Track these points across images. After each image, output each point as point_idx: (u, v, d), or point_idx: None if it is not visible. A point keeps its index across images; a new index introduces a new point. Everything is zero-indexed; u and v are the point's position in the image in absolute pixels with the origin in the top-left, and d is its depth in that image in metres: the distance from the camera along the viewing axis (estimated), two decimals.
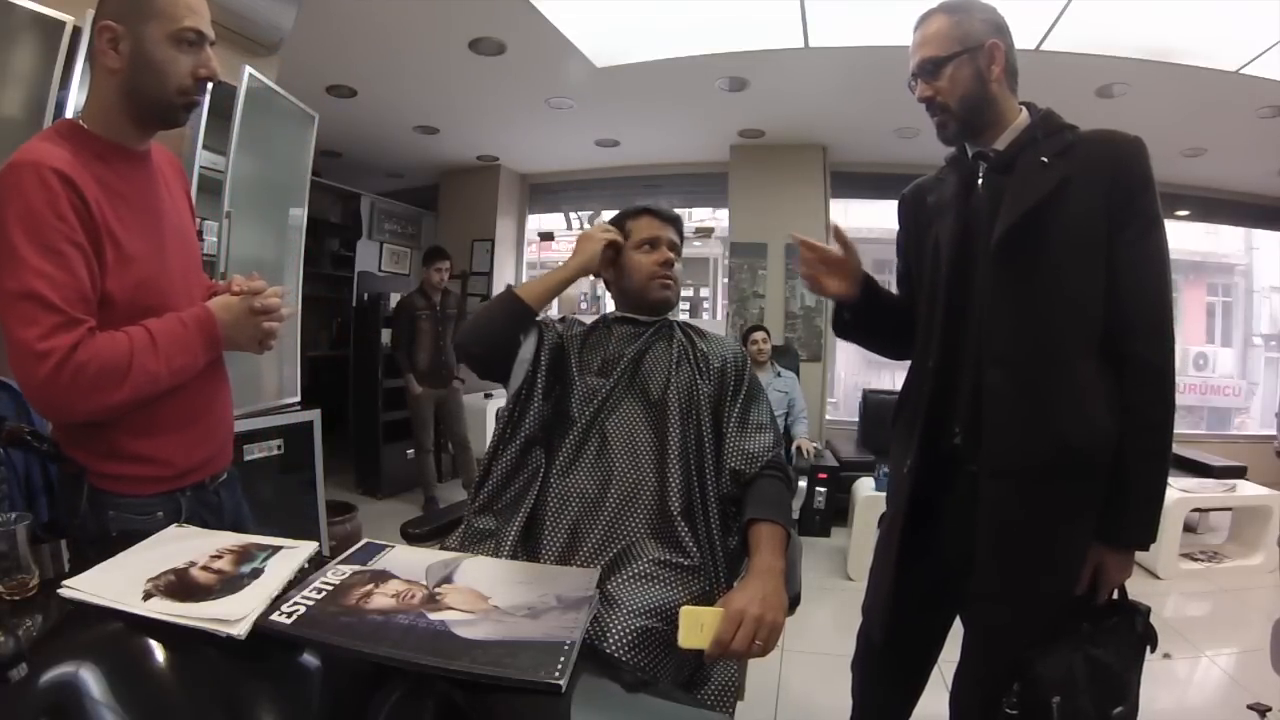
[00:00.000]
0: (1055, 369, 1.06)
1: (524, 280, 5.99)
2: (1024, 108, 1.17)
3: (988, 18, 1.12)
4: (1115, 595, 1.15)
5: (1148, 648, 1.13)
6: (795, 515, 1.20)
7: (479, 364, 1.28)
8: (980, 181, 1.16)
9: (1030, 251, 1.06)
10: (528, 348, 1.25)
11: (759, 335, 3.94)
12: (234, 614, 0.73)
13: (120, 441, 1.00)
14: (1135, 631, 1.12)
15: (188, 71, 0.98)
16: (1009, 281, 1.08)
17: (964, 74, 1.10)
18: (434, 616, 0.76)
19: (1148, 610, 1.15)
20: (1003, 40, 1.11)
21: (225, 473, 1.20)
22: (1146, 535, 1.08)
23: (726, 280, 5.26)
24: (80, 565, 0.83)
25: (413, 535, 1.32)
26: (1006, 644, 1.10)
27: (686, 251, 1.42)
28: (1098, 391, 1.05)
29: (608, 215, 1.49)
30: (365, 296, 4.80)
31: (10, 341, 0.88)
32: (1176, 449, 5.07)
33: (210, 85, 1.01)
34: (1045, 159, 1.07)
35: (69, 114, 1.82)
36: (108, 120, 0.99)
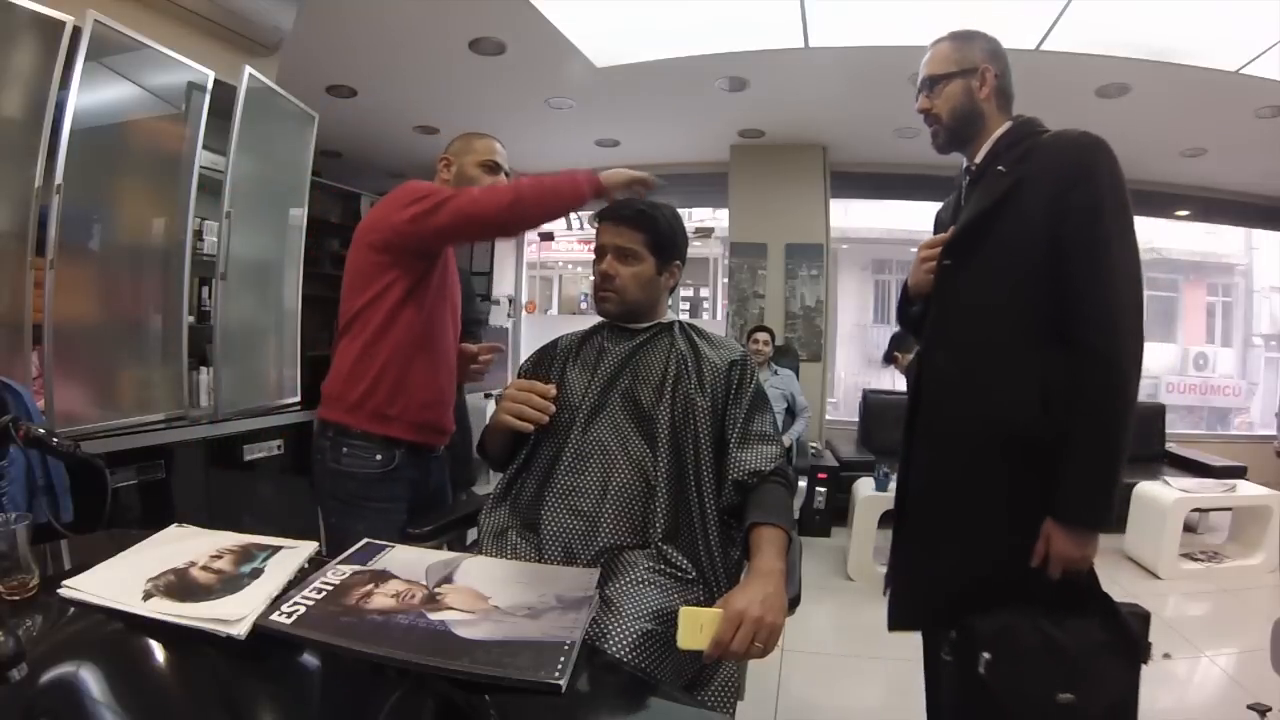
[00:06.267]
0: (992, 354, 1.18)
1: (522, 280, 6.04)
2: (1010, 121, 1.25)
3: (987, 47, 1.25)
4: (1112, 591, 1.16)
5: (1136, 654, 1.12)
6: (795, 515, 1.20)
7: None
8: (964, 193, 1.30)
9: (977, 251, 1.20)
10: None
11: (761, 336, 3.94)
12: (234, 614, 0.73)
13: (380, 384, 1.39)
14: (1108, 627, 1.12)
15: (488, 185, 1.49)
16: (959, 278, 1.23)
17: (956, 90, 1.24)
18: (434, 616, 0.76)
19: (1146, 615, 1.15)
20: (995, 66, 1.24)
21: (439, 449, 1.59)
22: (1090, 516, 1.10)
23: (726, 280, 5.25)
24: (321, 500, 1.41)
25: (413, 535, 1.32)
26: (929, 594, 1.23)
27: (688, 251, 1.38)
28: (1033, 376, 1.13)
29: None
30: None
31: (451, 203, 1.34)
32: (1177, 449, 5.05)
33: None
34: (1002, 168, 1.19)
35: (68, 115, 1.83)
36: None
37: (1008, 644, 1.08)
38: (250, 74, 2.42)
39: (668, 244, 1.28)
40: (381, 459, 1.40)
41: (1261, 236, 6.36)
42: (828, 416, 5.02)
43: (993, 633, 1.10)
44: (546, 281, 8.24)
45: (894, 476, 1.43)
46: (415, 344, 1.43)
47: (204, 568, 0.84)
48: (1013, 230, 1.15)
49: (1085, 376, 1.09)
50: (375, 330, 1.40)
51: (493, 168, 1.54)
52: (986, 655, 1.08)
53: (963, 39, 1.26)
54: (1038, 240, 1.13)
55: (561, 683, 0.65)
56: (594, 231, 1.31)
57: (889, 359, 3.60)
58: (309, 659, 0.72)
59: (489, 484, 3.70)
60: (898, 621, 1.30)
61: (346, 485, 1.41)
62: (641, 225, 1.25)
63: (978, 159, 1.25)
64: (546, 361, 1.35)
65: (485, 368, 1.67)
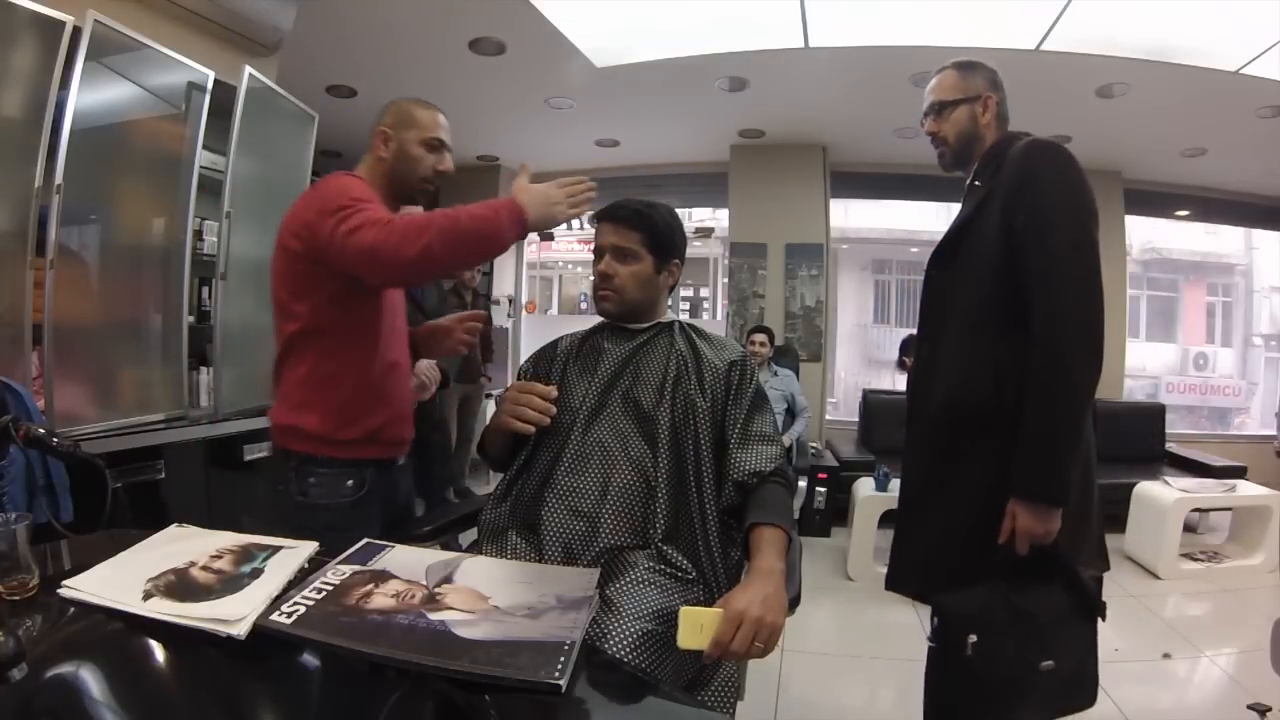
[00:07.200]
0: (956, 343, 1.30)
1: (522, 280, 6.04)
2: (996, 139, 1.35)
3: (988, 77, 1.37)
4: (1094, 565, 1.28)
5: (1095, 614, 1.22)
6: (795, 515, 1.22)
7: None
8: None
9: (953, 259, 1.33)
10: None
11: (759, 337, 3.93)
12: (234, 614, 0.73)
13: (346, 405, 1.28)
14: (1071, 591, 1.19)
15: (430, 166, 1.37)
16: (938, 283, 1.38)
17: (962, 116, 1.36)
18: (434, 616, 0.76)
19: (1099, 577, 1.27)
20: (996, 95, 1.36)
21: (402, 459, 1.45)
22: (1045, 492, 1.15)
23: (726, 280, 5.25)
24: (291, 531, 1.04)
25: (413, 535, 1.32)
26: (916, 564, 1.35)
27: (687, 251, 1.38)
28: (985, 361, 1.24)
29: None
30: None
31: (361, 233, 1.14)
32: (1177, 449, 5.05)
33: (443, 178, 1.40)
34: (979, 183, 1.33)
35: (68, 115, 1.83)
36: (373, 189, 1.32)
37: (988, 623, 1.15)
38: (250, 74, 2.42)
39: (666, 243, 1.28)
40: (353, 484, 1.29)
41: (1261, 236, 6.37)
42: (828, 416, 5.02)
43: (971, 615, 1.17)
44: (546, 281, 8.24)
45: (895, 475, 1.51)
46: (369, 357, 1.31)
47: (204, 568, 0.84)
48: (979, 236, 1.27)
49: (1033, 363, 1.16)
50: (326, 348, 1.27)
51: (436, 145, 1.37)
52: (973, 637, 1.15)
53: (966, 69, 1.38)
54: (996, 241, 1.23)
55: (561, 683, 0.65)
56: (594, 231, 1.31)
57: (901, 364, 3.82)
58: (309, 659, 0.72)
59: (489, 484, 3.71)
60: (890, 584, 1.42)
61: (319, 518, 1.26)
62: (639, 225, 1.25)
63: (969, 177, 1.37)
64: (546, 362, 1.35)
65: (472, 338, 1.52)
